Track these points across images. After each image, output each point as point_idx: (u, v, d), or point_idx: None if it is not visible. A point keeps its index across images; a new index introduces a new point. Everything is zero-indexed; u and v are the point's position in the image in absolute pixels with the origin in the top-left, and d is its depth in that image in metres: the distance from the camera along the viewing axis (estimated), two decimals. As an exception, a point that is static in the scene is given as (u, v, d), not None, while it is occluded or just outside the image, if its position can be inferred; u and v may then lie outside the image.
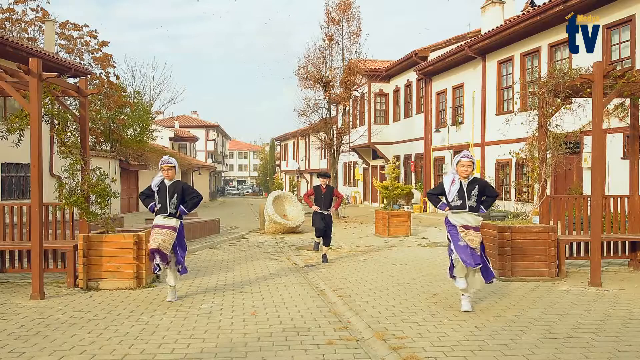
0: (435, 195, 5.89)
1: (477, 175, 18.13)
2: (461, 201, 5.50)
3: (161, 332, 4.92)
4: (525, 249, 7.20)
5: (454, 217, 5.54)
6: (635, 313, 5.43)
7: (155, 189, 6.21)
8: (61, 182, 7.13)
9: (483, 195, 5.61)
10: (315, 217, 9.23)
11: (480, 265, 5.42)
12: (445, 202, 5.68)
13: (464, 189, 5.51)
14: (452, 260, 5.54)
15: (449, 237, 5.59)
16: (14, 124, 6.74)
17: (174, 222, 6.17)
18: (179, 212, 6.21)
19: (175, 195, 6.18)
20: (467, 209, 5.49)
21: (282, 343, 4.59)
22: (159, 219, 6.15)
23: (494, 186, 18.53)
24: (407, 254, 10.21)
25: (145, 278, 6.98)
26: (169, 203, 6.15)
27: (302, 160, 46.51)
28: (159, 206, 6.18)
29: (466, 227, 5.43)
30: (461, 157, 5.58)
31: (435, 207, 5.85)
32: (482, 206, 5.60)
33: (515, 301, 5.99)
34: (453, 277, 5.59)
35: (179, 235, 6.21)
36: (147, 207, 6.35)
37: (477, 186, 5.55)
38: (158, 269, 6.15)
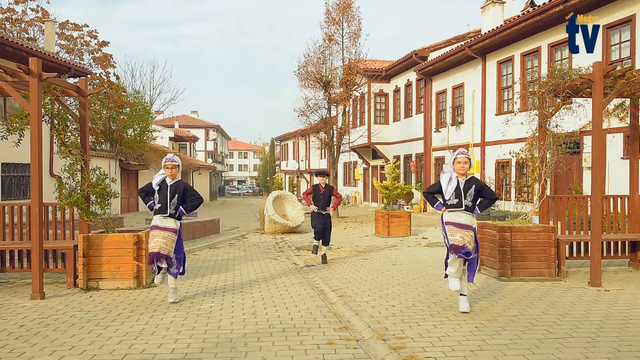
0: (432, 193, 5.91)
1: (477, 175, 18.16)
2: (457, 200, 5.49)
3: (161, 332, 4.92)
4: (525, 249, 7.19)
5: (450, 215, 5.53)
6: (635, 313, 5.44)
7: (156, 187, 6.14)
8: (61, 182, 7.13)
9: (480, 195, 5.60)
10: (313, 218, 9.16)
11: (471, 257, 5.38)
12: (442, 202, 5.68)
13: (461, 187, 5.52)
14: (446, 261, 5.55)
15: (443, 234, 5.59)
16: (14, 124, 6.75)
17: (173, 223, 6.08)
18: (178, 212, 6.16)
19: (177, 195, 6.10)
20: (463, 208, 5.48)
21: (282, 343, 4.59)
22: (158, 220, 6.07)
23: (494, 186, 18.50)
24: (407, 254, 10.21)
25: (145, 278, 6.98)
26: (170, 203, 6.07)
27: (302, 160, 46.51)
28: (158, 205, 6.09)
29: (460, 226, 5.42)
30: (457, 154, 5.60)
31: (432, 206, 5.83)
32: (477, 207, 5.59)
33: (515, 301, 5.99)
34: (447, 276, 5.60)
35: (178, 238, 6.18)
36: (146, 205, 6.28)
37: (473, 186, 5.54)
38: (158, 271, 6.13)
